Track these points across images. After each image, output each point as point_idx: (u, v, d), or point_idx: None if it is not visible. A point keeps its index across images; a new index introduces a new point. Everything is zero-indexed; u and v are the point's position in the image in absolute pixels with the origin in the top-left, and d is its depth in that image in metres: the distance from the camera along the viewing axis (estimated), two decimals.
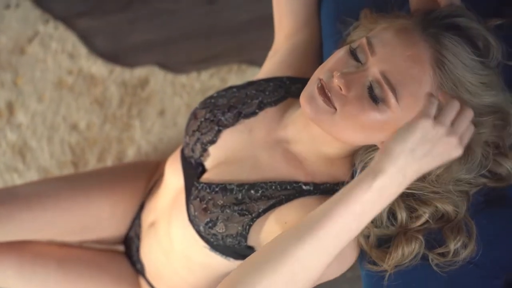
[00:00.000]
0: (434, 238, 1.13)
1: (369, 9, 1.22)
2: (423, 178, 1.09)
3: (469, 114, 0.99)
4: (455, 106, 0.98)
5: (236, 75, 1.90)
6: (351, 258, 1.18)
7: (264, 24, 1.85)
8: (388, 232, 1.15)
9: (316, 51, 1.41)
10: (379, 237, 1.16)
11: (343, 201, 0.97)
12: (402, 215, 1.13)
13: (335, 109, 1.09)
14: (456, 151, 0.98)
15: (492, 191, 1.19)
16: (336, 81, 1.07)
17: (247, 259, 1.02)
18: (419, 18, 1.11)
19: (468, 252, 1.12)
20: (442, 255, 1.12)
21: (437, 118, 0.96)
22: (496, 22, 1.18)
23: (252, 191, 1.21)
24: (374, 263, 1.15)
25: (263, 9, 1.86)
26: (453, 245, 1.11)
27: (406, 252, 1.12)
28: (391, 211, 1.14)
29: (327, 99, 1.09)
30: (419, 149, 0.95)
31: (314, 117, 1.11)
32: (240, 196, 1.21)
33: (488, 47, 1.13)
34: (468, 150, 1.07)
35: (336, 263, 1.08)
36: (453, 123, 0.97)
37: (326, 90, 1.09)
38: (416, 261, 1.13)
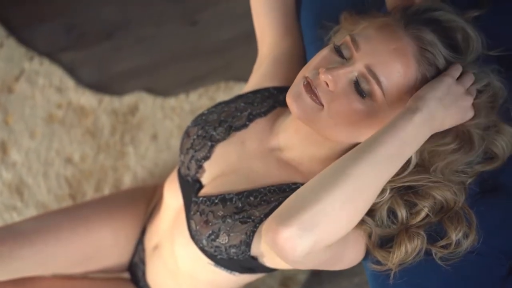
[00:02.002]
0: (436, 231, 1.14)
1: (349, 11, 1.24)
2: (426, 170, 1.11)
3: (474, 89, 1.11)
4: (471, 77, 1.11)
5: (224, 93, 1.91)
6: (363, 246, 1.17)
7: (247, 40, 1.88)
8: (390, 231, 1.15)
9: (300, 59, 1.42)
10: (382, 237, 1.16)
11: (390, 129, 1.03)
12: (402, 212, 1.13)
13: (322, 105, 1.10)
14: (471, 112, 1.10)
15: (486, 182, 1.20)
16: (323, 77, 1.08)
17: (308, 182, 1.04)
18: (399, 14, 1.13)
19: (470, 242, 1.12)
20: (445, 247, 1.13)
21: (458, 80, 1.09)
22: (474, 14, 1.19)
23: (252, 198, 1.21)
24: (379, 263, 1.15)
25: (244, 25, 1.89)
26: (454, 235, 1.11)
27: (409, 249, 1.12)
28: (390, 210, 1.14)
29: (314, 96, 1.10)
30: (446, 99, 1.06)
31: (302, 115, 1.11)
32: (240, 204, 1.21)
33: (468, 40, 1.15)
34: (469, 138, 1.13)
35: (356, 248, 1.15)
36: (470, 88, 1.10)
37: (313, 87, 1.10)
38: (419, 257, 1.13)
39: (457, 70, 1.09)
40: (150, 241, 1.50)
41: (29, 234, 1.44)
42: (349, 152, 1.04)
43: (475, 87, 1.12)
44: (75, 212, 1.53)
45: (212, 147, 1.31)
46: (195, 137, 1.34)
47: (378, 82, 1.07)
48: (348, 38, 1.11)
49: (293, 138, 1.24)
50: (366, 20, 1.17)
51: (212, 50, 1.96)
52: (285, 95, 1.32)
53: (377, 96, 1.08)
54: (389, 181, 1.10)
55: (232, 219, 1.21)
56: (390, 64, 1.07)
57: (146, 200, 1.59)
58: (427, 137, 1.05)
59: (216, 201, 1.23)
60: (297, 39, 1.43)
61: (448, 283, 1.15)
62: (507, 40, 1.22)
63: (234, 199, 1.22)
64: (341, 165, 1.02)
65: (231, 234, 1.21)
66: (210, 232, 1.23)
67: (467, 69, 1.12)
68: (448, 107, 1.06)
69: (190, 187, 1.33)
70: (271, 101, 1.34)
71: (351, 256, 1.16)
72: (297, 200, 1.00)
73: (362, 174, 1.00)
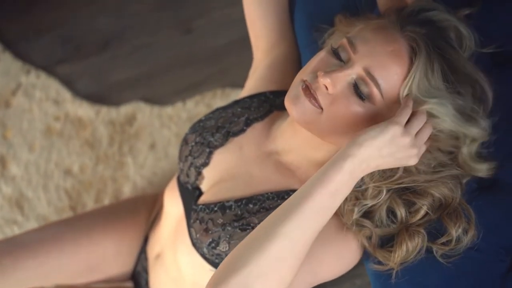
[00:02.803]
0: (435, 229, 1.14)
1: (343, 14, 1.24)
2: (416, 172, 1.12)
3: (429, 131, 1.09)
4: (422, 119, 1.08)
5: (221, 99, 1.91)
6: (350, 259, 1.19)
7: (242, 46, 1.88)
8: (389, 231, 1.16)
9: (295, 63, 1.43)
10: (382, 237, 1.17)
11: (319, 181, 1.03)
12: (401, 211, 1.14)
13: (322, 109, 1.10)
14: (413, 160, 1.08)
15: (484, 178, 1.21)
16: (321, 80, 1.08)
17: (238, 245, 1.05)
18: (394, 16, 1.14)
19: (469, 237, 1.13)
20: (445, 244, 1.13)
21: (406, 127, 1.06)
22: (466, 12, 1.20)
23: (251, 205, 1.22)
24: (380, 263, 1.16)
25: (239, 31, 1.89)
26: (454, 232, 1.12)
27: (410, 247, 1.12)
28: (390, 209, 1.15)
29: (313, 99, 1.10)
30: (385, 149, 1.04)
31: (301, 118, 1.12)
32: (239, 212, 1.22)
33: (461, 38, 1.16)
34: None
35: (334, 263, 1.15)
36: (416, 135, 1.07)
37: (312, 90, 1.10)
38: (420, 255, 1.13)
39: (406, 114, 1.06)
40: (153, 249, 1.50)
41: (32, 245, 1.44)
42: (278, 208, 1.05)
43: (427, 132, 1.09)
44: (77, 222, 1.53)
45: (210, 153, 1.32)
46: (193, 144, 1.34)
47: (377, 85, 1.07)
48: (345, 41, 1.11)
49: (290, 142, 1.25)
50: (361, 22, 1.17)
51: (207, 57, 1.97)
52: (282, 99, 1.33)
53: (376, 98, 1.08)
54: (384, 183, 1.11)
55: (232, 227, 1.21)
56: (388, 66, 1.07)
57: (148, 209, 1.60)
58: (359, 178, 1.06)
59: (215, 208, 1.24)
60: (291, 43, 1.43)
61: (449, 281, 1.15)
62: (499, 37, 1.23)
63: (233, 207, 1.22)
64: (269, 224, 1.02)
65: (232, 242, 1.22)
66: (210, 240, 1.23)
67: (423, 105, 1.08)
68: (385, 157, 1.05)
69: (190, 194, 1.33)
70: (267, 106, 1.34)
71: (333, 266, 1.17)
72: (229, 263, 1.01)
73: (290, 232, 1.01)
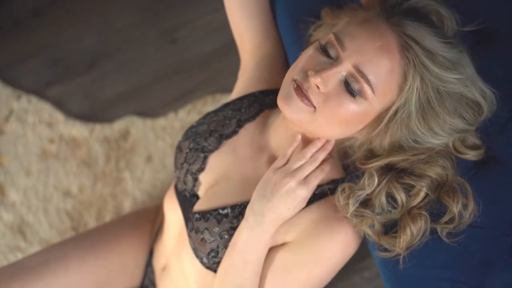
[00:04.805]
0: (437, 209, 1.14)
1: (329, 7, 1.25)
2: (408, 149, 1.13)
3: (313, 165, 1.19)
4: (300, 158, 1.18)
5: (212, 106, 1.91)
6: (347, 242, 1.20)
7: (227, 51, 1.89)
8: (391, 216, 1.16)
9: (282, 61, 1.43)
10: (385, 224, 1.17)
11: (231, 242, 1.21)
12: (401, 196, 1.14)
13: (314, 107, 1.10)
14: (300, 191, 1.16)
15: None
16: (313, 80, 1.09)
17: None
18: (379, 8, 1.14)
19: (470, 211, 1.13)
20: (448, 222, 1.13)
21: (280, 167, 1.19)
22: None
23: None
24: (386, 250, 1.16)
25: (223, 37, 1.91)
26: (455, 208, 1.12)
27: (414, 231, 1.13)
28: (389, 195, 1.15)
29: (306, 99, 1.10)
30: (265, 192, 1.17)
31: (295, 117, 1.12)
32: (235, 221, 1.23)
33: (442, 20, 1.17)
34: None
35: (330, 248, 1.19)
36: (298, 169, 1.18)
37: (304, 90, 1.10)
38: (426, 238, 1.13)
39: (282, 159, 1.20)
40: (158, 262, 1.50)
41: (38, 267, 1.44)
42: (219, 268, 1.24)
43: (311, 168, 1.19)
44: (81, 240, 1.52)
45: (205, 158, 1.32)
46: (187, 150, 1.35)
47: (367, 81, 1.07)
48: (332, 37, 1.11)
49: (283, 138, 1.25)
50: (346, 15, 1.18)
51: (194, 66, 1.97)
52: (271, 97, 1.33)
53: (367, 94, 1.08)
54: (367, 163, 1.16)
55: (229, 235, 1.22)
56: (377, 61, 1.07)
57: (150, 221, 1.60)
58: (268, 231, 1.18)
59: (211, 217, 1.24)
60: (276, 41, 1.44)
61: (457, 260, 1.16)
62: (478, 14, 1.24)
63: (229, 215, 1.23)
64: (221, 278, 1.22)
65: None
66: (209, 250, 1.24)
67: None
68: (271, 197, 1.16)
69: (188, 201, 1.33)
70: (257, 105, 1.34)
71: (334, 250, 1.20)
72: None
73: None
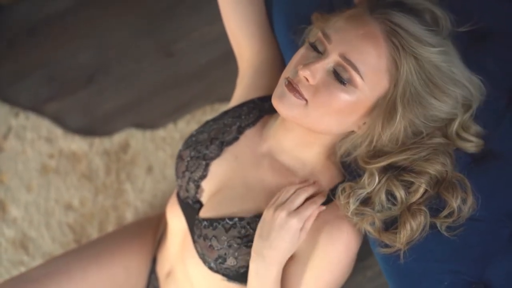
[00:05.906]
0: (436, 204, 1.16)
1: (319, 12, 1.28)
2: (402, 146, 1.16)
3: (303, 195, 1.21)
4: (288, 190, 1.22)
5: (211, 115, 1.91)
6: (349, 242, 1.21)
7: (225, 61, 1.91)
8: (391, 213, 1.17)
9: (279, 66, 1.45)
10: (385, 221, 1.18)
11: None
12: (400, 193, 1.16)
13: (306, 100, 1.13)
14: (291, 220, 1.18)
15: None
16: (301, 73, 1.11)
17: None
18: (365, 4, 1.17)
19: (469, 205, 1.15)
20: (448, 216, 1.15)
21: (279, 206, 1.20)
22: None
23: (254, 224, 1.24)
24: (387, 246, 1.17)
25: (220, 47, 1.92)
26: (454, 203, 1.14)
27: (414, 226, 1.14)
28: (389, 193, 1.17)
29: (297, 93, 1.12)
30: (262, 232, 1.19)
31: (289, 113, 1.14)
32: (243, 231, 1.24)
33: (436, 19, 1.19)
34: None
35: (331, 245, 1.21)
36: (287, 200, 1.21)
37: (294, 85, 1.13)
38: (425, 232, 1.15)
39: (276, 199, 1.21)
40: (163, 268, 1.50)
41: (41, 279, 1.44)
42: None
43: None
44: (84, 251, 1.53)
45: (207, 165, 1.33)
46: (188, 159, 1.36)
47: (355, 68, 1.10)
48: (320, 34, 1.14)
49: (283, 141, 1.27)
50: (336, 16, 1.20)
51: (192, 77, 1.98)
52: (270, 103, 1.35)
53: (356, 81, 1.11)
54: (370, 163, 1.16)
55: (237, 244, 1.24)
56: (362, 48, 1.10)
57: (153, 230, 1.60)
58: (273, 271, 1.21)
59: (219, 226, 1.26)
60: (274, 47, 1.46)
61: (457, 253, 1.17)
62: (472, 14, 1.26)
63: (236, 225, 1.25)
64: None
65: (239, 257, 1.24)
66: (217, 256, 1.25)
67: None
68: (269, 236, 1.18)
69: (191, 209, 1.35)
70: (257, 111, 1.37)
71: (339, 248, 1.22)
72: None
73: None
